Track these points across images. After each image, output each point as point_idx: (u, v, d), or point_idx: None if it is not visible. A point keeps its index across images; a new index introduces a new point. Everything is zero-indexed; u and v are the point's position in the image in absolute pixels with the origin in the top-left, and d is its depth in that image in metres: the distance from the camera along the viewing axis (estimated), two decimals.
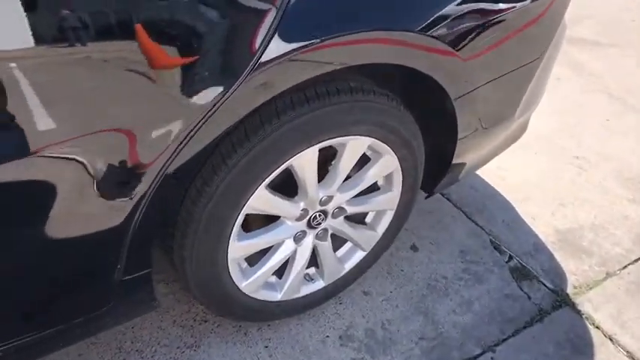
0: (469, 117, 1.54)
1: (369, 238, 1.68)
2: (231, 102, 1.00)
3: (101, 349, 1.54)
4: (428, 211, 2.26)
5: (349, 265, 1.70)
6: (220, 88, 0.97)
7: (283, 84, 1.08)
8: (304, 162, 1.28)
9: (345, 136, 1.30)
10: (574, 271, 2.08)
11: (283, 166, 1.24)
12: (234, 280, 1.41)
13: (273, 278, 1.58)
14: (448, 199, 2.38)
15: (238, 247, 1.33)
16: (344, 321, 1.75)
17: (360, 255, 1.71)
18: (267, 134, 1.16)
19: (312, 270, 1.67)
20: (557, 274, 2.06)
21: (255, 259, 1.47)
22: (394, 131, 1.40)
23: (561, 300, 1.94)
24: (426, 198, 1.81)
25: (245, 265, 1.46)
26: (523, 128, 2.03)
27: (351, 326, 1.74)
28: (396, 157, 1.48)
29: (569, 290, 1.99)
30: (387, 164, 1.49)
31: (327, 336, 1.69)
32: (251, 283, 1.46)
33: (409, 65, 1.27)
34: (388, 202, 1.62)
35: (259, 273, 1.45)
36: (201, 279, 1.35)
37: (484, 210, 2.32)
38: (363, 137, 1.34)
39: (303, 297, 1.65)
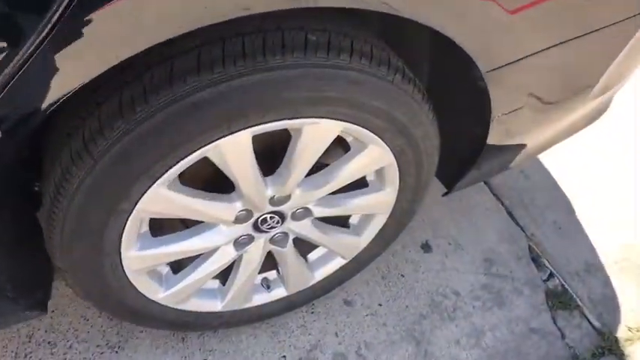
0: (513, 92, 1.04)
1: (351, 245, 1.27)
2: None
3: (8, 335, 1.29)
4: (455, 197, 1.79)
5: (322, 273, 1.31)
6: None
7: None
8: (227, 153, 0.86)
9: (294, 119, 0.86)
10: (634, 307, 1.57)
11: (190, 158, 0.83)
12: (146, 294, 1.07)
13: (215, 283, 1.22)
14: (486, 183, 1.88)
15: (141, 258, 0.97)
16: (310, 337, 1.39)
17: (338, 262, 1.31)
18: (151, 112, 0.75)
19: (272, 274, 1.30)
20: (610, 309, 1.56)
21: (186, 261, 1.12)
22: (382, 114, 0.93)
23: (607, 346, 1.47)
24: (444, 195, 1.35)
25: (167, 270, 1.11)
26: (603, 107, 1.47)
27: (318, 346, 1.37)
28: (388, 148, 1.02)
29: (621, 334, 1.50)
30: (374, 157, 1.03)
31: (284, 356, 1.35)
32: (173, 295, 1.11)
33: (408, 16, 0.79)
34: (377, 204, 1.18)
35: (183, 285, 1.10)
36: (91, 294, 1.02)
37: (531, 205, 1.80)
38: (326, 120, 0.89)
39: (256, 307, 1.29)
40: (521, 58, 0.97)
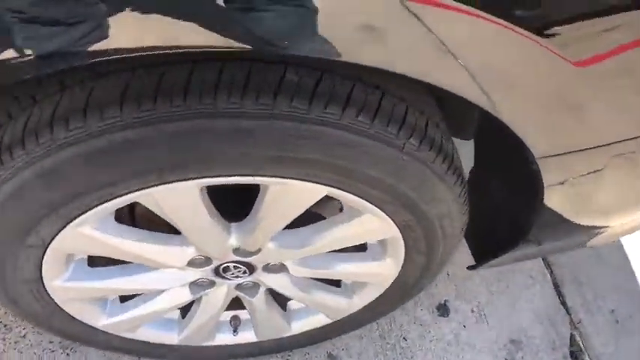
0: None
1: (339, 307, 1.05)
2: None
3: None
4: None
5: (301, 327, 1.12)
6: None
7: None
8: (164, 203, 0.67)
9: (255, 176, 0.65)
10: None
11: (114, 202, 0.65)
12: (84, 321, 0.93)
13: (175, 313, 1.07)
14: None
15: (70, 289, 0.82)
16: None
17: (320, 320, 1.11)
18: (55, 147, 0.57)
19: (244, 313, 1.12)
20: None
21: None
22: (381, 186, 0.70)
23: None
24: (470, 268, 1.09)
25: (113, 297, 0.96)
26: None
27: None
28: (390, 220, 0.79)
29: None
30: (369, 228, 0.81)
31: None
32: (117, 324, 0.97)
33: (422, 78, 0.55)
34: (374, 275, 0.96)
35: (128, 317, 0.95)
36: (24, 317, 0.89)
37: (586, 285, 1.49)
38: (302, 183, 0.68)
39: (219, 347, 1.13)
40: (595, 147, 0.70)
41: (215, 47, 0.49)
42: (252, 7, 0.47)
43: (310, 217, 0.82)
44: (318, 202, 0.74)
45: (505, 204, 0.96)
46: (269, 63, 0.58)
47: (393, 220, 0.79)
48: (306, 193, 0.71)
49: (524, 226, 0.92)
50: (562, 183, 0.80)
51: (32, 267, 0.75)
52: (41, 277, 0.78)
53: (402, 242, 0.85)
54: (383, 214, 0.77)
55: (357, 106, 0.61)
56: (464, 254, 1.30)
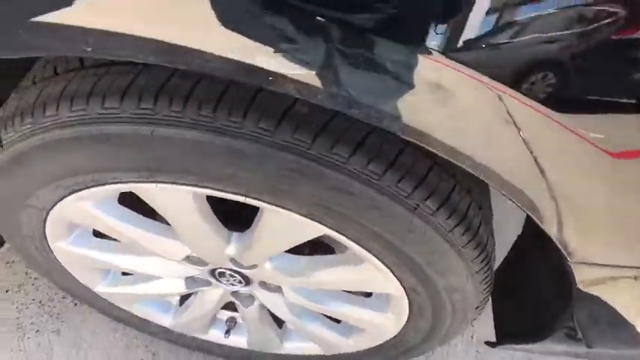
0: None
1: (333, 343, 0.99)
2: None
3: None
4: None
5: (294, 349, 1.07)
6: None
7: None
8: (157, 201, 0.65)
9: (247, 197, 0.61)
10: None
11: (109, 187, 0.64)
12: (83, 283, 0.95)
13: (175, 298, 1.06)
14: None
15: (70, 253, 0.83)
16: None
17: (315, 348, 1.05)
18: (62, 123, 0.56)
19: (239, 317, 1.09)
20: None
21: None
22: (383, 242, 0.63)
23: None
24: (488, 344, 0.98)
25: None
26: None
27: None
28: (393, 277, 0.72)
29: None
30: (373, 279, 0.74)
31: None
32: (112, 295, 0.98)
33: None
34: (373, 326, 0.88)
35: (121, 291, 0.96)
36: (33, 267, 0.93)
37: None
38: (296, 215, 0.63)
39: (209, 342, 1.11)
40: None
41: (290, 75, 0.45)
42: (354, 63, 0.43)
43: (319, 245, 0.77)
44: None
45: (541, 282, 0.85)
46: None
47: (397, 278, 0.72)
48: (302, 227, 0.65)
49: (558, 314, 0.80)
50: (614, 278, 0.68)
51: (35, 225, 0.77)
52: (44, 237, 0.80)
53: (406, 303, 0.78)
54: (384, 267, 0.70)
55: (368, 154, 0.55)
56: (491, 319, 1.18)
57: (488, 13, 0.40)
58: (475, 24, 0.40)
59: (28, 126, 0.59)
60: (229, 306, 1.03)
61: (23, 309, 1.24)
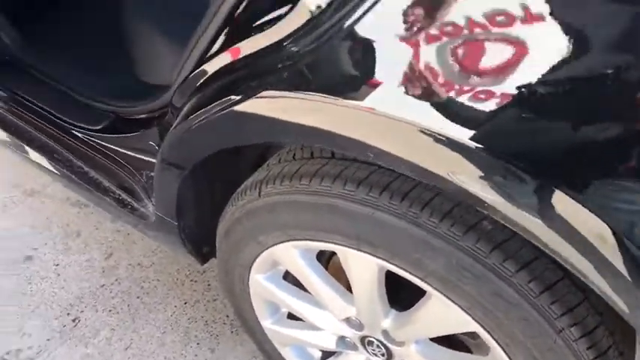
0: None
1: None
2: None
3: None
4: None
5: None
6: None
7: None
8: (350, 264, 0.85)
9: (421, 280, 0.77)
10: None
11: (319, 245, 0.86)
12: (256, 313, 1.17)
13: (317, 353, 1.23)
14: None
15: (261, 286, 1.07)
16: None
17: None
18: (308, 191, 0.81)
19: None
20: None
21: None
22: (523, 348, 0.74)
23: None
24: None
25: (284, 310, 1.17)
26: None
27: None
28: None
29: None
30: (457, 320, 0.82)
31: None
32: (273, 332, 1.18)
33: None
34: None
35: (283, 331, 1.15)
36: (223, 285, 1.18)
37: None
38: (458, 309, 0.77)
39: None
40: None
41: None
42: None
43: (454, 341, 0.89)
44: None
45: None
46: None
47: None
48: (459, 319, 0.79)
49: None
50: None
51: (250, 256, 1.02)
52: (250, 266, 1.05)
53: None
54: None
55: (530, 274, 0.68)
56: None
57: None
58: None
59: (286, 187, 0.84)
60: None
61: (192, 322, 1.52)
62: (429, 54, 0.59)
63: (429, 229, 0.72)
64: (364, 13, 0.63)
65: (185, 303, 1.55)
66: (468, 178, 0.60)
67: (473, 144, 0.57)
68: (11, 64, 1.31)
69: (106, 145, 1.26)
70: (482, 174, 0.58)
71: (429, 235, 0.72)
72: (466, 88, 0.57)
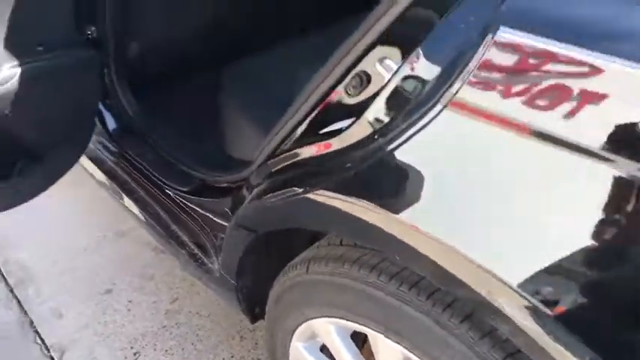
0: None
1: None
2: None
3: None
4: None
5: None
6: None
7: None
8: (380, 349, 0.94)
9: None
10: None
11: (354, 326, 0.96)
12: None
13: None
14: None
15: (299, 352, 1.17)
16: None
17: None
18: (339, 273, 0.93)
19: None
20: None
21: None
22: None
23: None
24: None
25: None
26: None
27: None
28: None
29: None
30: None
31: None
32: None
33: None
34: None
35: None
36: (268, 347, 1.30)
37: None
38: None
39: None
40: None
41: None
42: None
43: None
44: None
45: None
46: None
47: None
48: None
49: None
50: None
51: (294, 324, 1.13)
52: (293, 333, 1.16)
53: None
54: None
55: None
56: None
57: None
58: None
59: (329, 268, 0.97)
60: None
61: None
62: None
63: (449, 328, 0.80)
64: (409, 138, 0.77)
65: (232, 357, 1.67)
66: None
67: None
68: (131, 130, 1.58)
69: (190, 205, 1.46)
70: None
71: (449, 334, 0.80)
72: None
